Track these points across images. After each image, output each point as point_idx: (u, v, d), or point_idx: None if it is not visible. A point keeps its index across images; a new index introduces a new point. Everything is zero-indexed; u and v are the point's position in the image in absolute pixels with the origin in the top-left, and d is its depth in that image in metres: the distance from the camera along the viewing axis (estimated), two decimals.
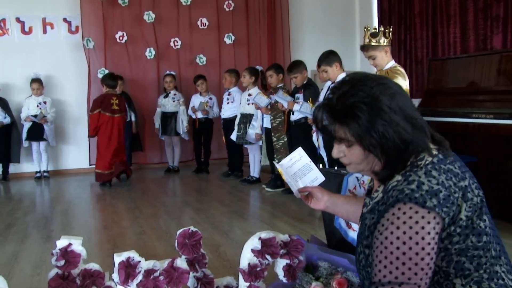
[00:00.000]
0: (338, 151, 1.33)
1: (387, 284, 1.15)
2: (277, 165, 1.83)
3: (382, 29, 3.55)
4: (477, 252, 1.22)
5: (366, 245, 1.28)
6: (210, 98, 6.77)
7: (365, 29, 3.60)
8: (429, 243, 1.14)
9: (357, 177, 2.75)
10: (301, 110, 4.60)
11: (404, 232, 1.14)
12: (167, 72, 7.01)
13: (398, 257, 1.14)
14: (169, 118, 6.88)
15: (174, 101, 6.87)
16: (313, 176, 1.77)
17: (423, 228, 1.14)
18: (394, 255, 1.14)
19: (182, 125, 6.81)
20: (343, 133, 1.27)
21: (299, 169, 1.79)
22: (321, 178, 1.77)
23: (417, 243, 1.13)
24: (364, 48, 3.60)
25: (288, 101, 5.04)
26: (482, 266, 1.22)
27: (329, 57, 4.40)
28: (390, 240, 1.15)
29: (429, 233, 1.14)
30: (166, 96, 6.92)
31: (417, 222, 1.14)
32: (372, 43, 3.51)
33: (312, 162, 1.79)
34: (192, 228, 2.10)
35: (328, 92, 1.33)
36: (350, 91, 1.25)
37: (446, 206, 1.16)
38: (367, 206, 1.35)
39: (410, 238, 1.14)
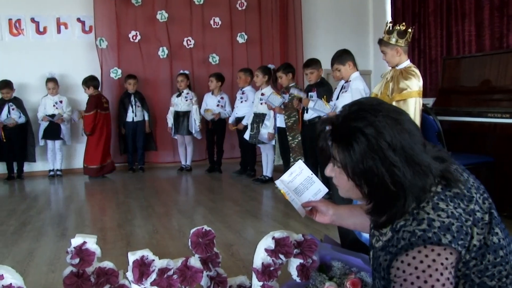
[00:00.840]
0: (330, 170, 1.28)
1: None
2: (277, 184, 1.75)
3: (398, 28, 3.50)
4: (497, 268, 1.19)
5: (384, 285, 1.23)
6: (222, 98, 6.77)
7: (389, 23, 3.59)
8: (448, 278, 1.11)
9: None
10: (315, 107, 4.56)
11: (424, 271, 1.10)
12: (180, 71, 7.04)
13: None
14: (181, 117, 6.90)
15: (186, 100, 6.89)
16: (315, 189, 1.71)
17: (441, 264, 1.11)
18: None
19: (195, 124, 6.82)
20: (336, 154, 1.21)
21: (300, 183, 1.72)
22: (324, 190, 1.71)
23: (437, 280, 1.10)
24: (379, 42, 3.63)
25: (302, 97, 5.06)
26: (503, 278, 1.20)
27: (342, 56, 4.40)
28: (411, 281, 1.11)
29: (446, 268, 1.11)
30: (179, 95, 6.94)
31: (434, 261, 1.11)
32: (386, 40, 3.51)
33: (313, 175, 1.72)
34: (205, 227, 2.10)
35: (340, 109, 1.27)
36: (355, 114, 1.19)
37: (461, 239, 1.13)
38: (377, 240, 1.29)
39: (430, 275, 1.10)
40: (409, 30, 3.55)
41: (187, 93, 6.92)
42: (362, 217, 1.61)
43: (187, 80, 6.95)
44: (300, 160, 1.85)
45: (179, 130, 6.92)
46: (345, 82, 4.48)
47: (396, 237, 1.17)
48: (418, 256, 1.11)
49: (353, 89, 4.28)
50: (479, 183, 1.27)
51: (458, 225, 1.13)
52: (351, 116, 1.19)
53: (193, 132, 6.88)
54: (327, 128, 1.24)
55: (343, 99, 4.36)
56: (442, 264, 1.10)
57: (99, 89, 6.90)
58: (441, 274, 1.10)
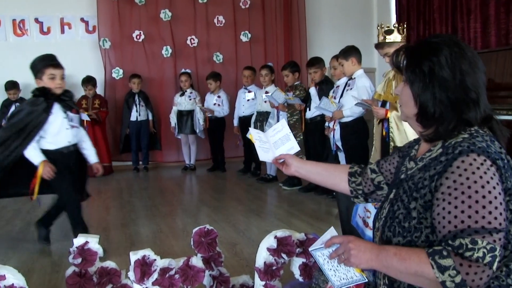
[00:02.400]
0: (399, 89, 1.38)
1: (474, 233, 1.12)
2: (251, 131, 1.91)
3: (396, 25, 3.52)
4: None
5: (415, 197, 1.26)
6: (219, 96, 6.75)
7: (379, 27, 3.58)
8: (500, 193, 1.14)
9: None
10: (321, 106, 4.53)
11: (481, 177, 1.14)
12: (183, 70, 7.03)
13: (478, 201, 1.13)
14: (185, 116, 6.90)
15: (190, 99, 6.89)
16: (290, 145, 1.86)
17: (497, 183, 1.15)
18: (474, 199, 1.13)
19: (199, 123, 6.83)
20: (405, 69, 1.33)
21: (279, 138, 1.88)
22: (297, 148, 1.86)
23: (494, 188, 1.14)
24: (379, 45, 3.60)
25: (300, 103, 5.11)
26: None
27: (347, 51, 4.40)
28: (467, 185, 1.14)
29: (498, 184, 1.15)
30: (182, 95, 6.94)
31: (494, 174, 1.15)
32: (387, 40, 3.49)
33: (291, 134, 1.90)
34: (208, 226, 2.12)
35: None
36: (434, 40, 1.31)
37: (508, 173, 1.19)
38: (411, 169, 1.35)
39: (488, 182, 1.14)
40: (404, 26, 3.57)
41: (191, 92, 6.92)
42: (325, 170, 1.76)
43: (191, 79, 6.95)
44: (283, 119, 2.08)
45: (183, 129, 6.92)
46: (349, 80, 4.46)
47: (450, 148, 1.23)
48: (476, 161, 1.16)
49: (359, 87, 4.27)
50: None
51: (506, 162, 1.20)
52: (432, 40, 1.32)
53: (197, 131, 6.88)
54: (404, 49, 1.36)
55: (348, 97, 4.34)
56: (497, 183, 1.15)
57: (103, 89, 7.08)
58: (497, 184, 1.15)
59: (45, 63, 3.30)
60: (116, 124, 7.23)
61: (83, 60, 7.06)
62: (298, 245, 2.05)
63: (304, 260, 2.06)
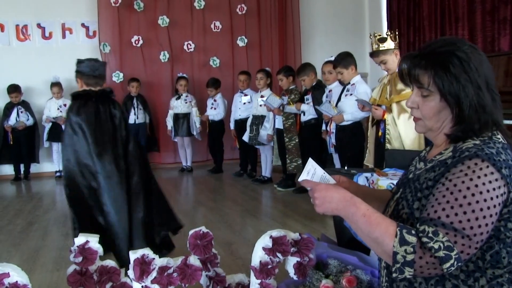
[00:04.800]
0: (413, 101, 1.31)
1: (441, 226, 1.12)
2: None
3: (389, 33, 3.59)
4: None
5: (419, 197, 1.25)
6: (215, 100, 6.88)
7: (372, 36, 3.63)
8: (495, 206, 1.13)
9: (366, 177, 2.81)
10: (322, 108, 4.57)
11: (476, 185, 1.12)
12: (180, 74, 7.14)
13: (462, 205, 1.12)
14: (181, 119, 7.02)
15: (186, 103, 7.01)
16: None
17: (494, 189, 1.13)
18: (458, 202, 1.12)
19: (195, 126, 6.96)
20: (426, 80, 1.25)
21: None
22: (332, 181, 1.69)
23: (485, 200, 1.12)
24: (374, 54, 3.60)
25: (296, 111, 5.26)
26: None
27: (346, 59, 4.39)
28: (459, 188, 1.13)
29: (497, 196, 1.13)
30: (178, 98, 7.06)
31: (490, 182, 1.13)
32: (381, 48, 3.55)
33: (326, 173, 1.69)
34: (203, 229, 2.16)
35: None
36: (443, 42, 1.27)
37: None
38: (420, 169, 1.33)
39: (481, 192, 1.12)
40: (393, 32, 3.63)
41: (186, 96, 7.04)
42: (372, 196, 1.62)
43: (188, 84, 7.08)
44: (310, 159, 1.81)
45: (179, 132, 7.04)
46: (347, 85, 4.47)
47: (459, 152, 1.21)
48: (477, 166, 1.14)
49: (360, 93, 4.26)
50: None
51: None
52: (440, 44, 1.26)
53: (194, 133, 7.00)
54: (412, 59, 1.29)
55: (348, 102, 4.35)
56: (494, 189, 1.12)
57: None
58: (491, 198, 1.12)
59: None
60: None
61: None
62: (292, 245, 2.08)
63: (298, 259, 2.09)
